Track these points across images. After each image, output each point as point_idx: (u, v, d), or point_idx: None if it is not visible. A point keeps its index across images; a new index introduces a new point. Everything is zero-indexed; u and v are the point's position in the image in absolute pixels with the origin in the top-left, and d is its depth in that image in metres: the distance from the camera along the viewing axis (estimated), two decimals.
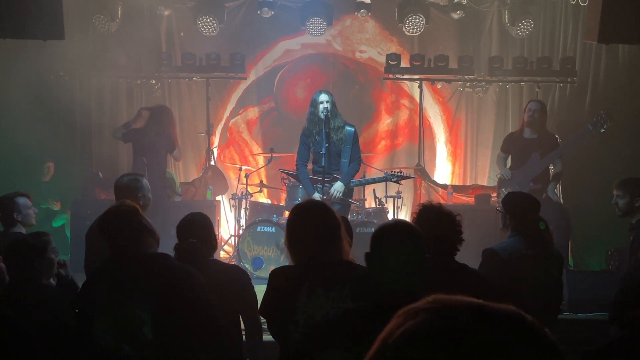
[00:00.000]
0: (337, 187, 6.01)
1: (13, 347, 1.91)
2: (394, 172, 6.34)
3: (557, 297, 3.72)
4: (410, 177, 6.39)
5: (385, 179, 6.34)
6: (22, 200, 4.54)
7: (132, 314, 2.75)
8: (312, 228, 2.75)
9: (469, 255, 3.61)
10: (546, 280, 3.62)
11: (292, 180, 6.69)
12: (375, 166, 6.95)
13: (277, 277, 2.85)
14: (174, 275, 2.85)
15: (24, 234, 3.52)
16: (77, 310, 3.05)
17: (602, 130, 6.62)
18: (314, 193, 6.01)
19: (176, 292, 2.79)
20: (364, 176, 7.03)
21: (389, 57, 7.85)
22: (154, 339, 2.74)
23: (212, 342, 2.89)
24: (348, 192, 6.21)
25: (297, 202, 6.30)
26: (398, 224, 2.18)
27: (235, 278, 3.47)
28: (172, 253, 3.29)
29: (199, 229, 3.49)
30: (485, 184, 8.13)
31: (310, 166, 6.33)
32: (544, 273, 3.63)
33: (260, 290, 3.19)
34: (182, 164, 8.71)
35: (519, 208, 3.77)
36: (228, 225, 8.18)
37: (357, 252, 2.92)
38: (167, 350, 2.77)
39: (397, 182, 6.32)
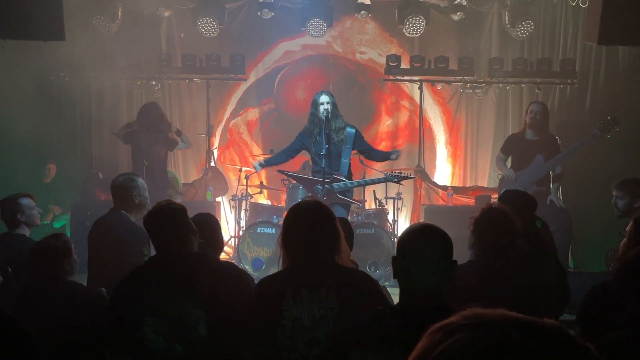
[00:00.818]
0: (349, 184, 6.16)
1: (17, 351, 1.91)
2: (395, 172, 6.34)
3: (556, 296, 3.70)
4: (410, 177, 6.39)
5: (385, 180, 6.34)
6: (25, 201, 4.52)
7: (185, 312, 2.73)
8: (306, 229, 2.72)
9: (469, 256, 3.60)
10: (544, 278, 3.61)
11: (292, 181, 6.70)
12: (376, 167, 6.94)
13: (262, 285, 2.82)
14: (226, 273, 2.88)
15: (46, 236, 3.54)
16: (118, 315, 2.92)
17: (609, 136, 6.61)
18: (259, 168, 6.39)
19: (229, 290, 2.80)
20: (364, 177, 7.03)
21: (389, 58, 7.86)
22: (208, 337, 2.73)
23: (252, 339, 2.86)
24: (348, 192, 6.22)
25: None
26: (425, 227, 2.20)
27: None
28: None
29: (207, 230, 3.49)
30: (486, 185, 8.14)
31: (298, 166, 6.40)
32: (542, 271, 3.62)
33: None
34: (182, 164, 8.73)
35: (517, 205, 3.74)
36: (228, 227, 8.18)
37: (357, 253, 2.92)
38: (219, 348, 2.76)
39: (397, 182, 6.30)
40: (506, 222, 3.19)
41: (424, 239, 2.12)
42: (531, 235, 3.71)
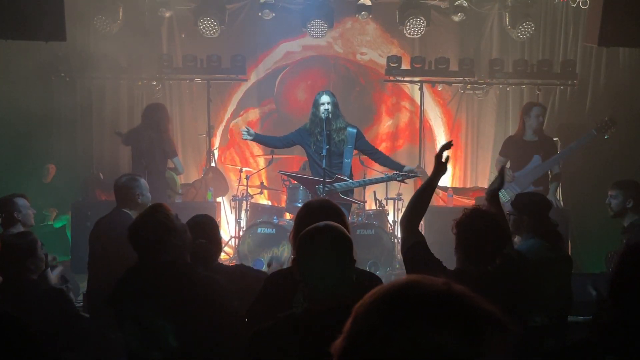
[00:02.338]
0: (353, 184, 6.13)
1: (17, 347, 1.92)
2: (399, 172, 6.25)
3: (568, 298, 3.67)
4: (415, 175, 6.29)
5: (390, 178, 6.22)
6: (21, 201, 4.69)
7: (155, 323, 2.75)
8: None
9: None
10: (563, 282, 3.59)
11: (293, 182, 6.70)
12: (376, 168, 6.93)
13: (271, 283, 2.82)
14: (195, 283, 2.84)
15: (9, 235, 3.60)
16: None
17: (606, 137, 6.61)
18: (247, 136, 6.20)
19: (198, 301, 2.78)
20: (364, 177, 7.02)
21: (389, 59, 7.87)
22: (180, 348, 2.74)
23: (235, 346, 2.87)
24: (349, 192, 6.21)
25: (298, 204, 6.40)
26: (315, 229, 2.10)
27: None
28: None
29: (207, 230, 3.51)
30: (486, 187, 8.12)
31: (298, 167, 6.36)
32: (561, 275, 3.59)
33: None
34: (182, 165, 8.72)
35: (536, 209, 3.68)
36: (228, 227, 8.18)
37: (357, 254, 2.93)
38: (194, 357, 2.76)
39: (402, 181, 6.20)
40: (491, 226, 2.91)
41: (315, 242, 2.05)
42: (549, 236, 3.64)
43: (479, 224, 2.88)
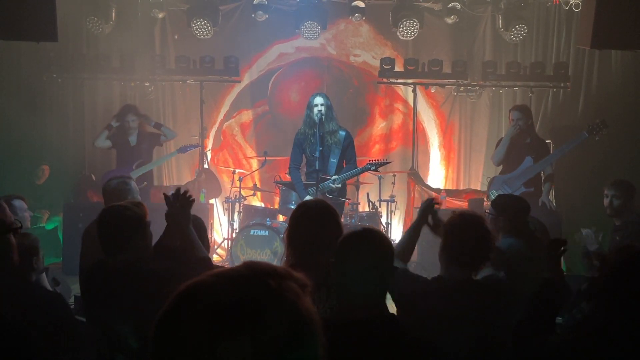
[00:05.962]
0: (335, 180, 6.06)
1: (14, 348, 1.90)
2: (372, 160, 6.28)
3: (554, 297, 3.68)
4: (388, 162, 6.37)
5: (364, 169, 6.23)
6: (18, 203, 4.60)
7: (115, 326, 2.74)
8: (313, 222, 2.77)
9: None
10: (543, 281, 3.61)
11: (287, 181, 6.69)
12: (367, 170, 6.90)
13: None
14: (151, 283, 2.77)
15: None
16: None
17: (597, 139, 6.64)
18: (305, 197, 6.02)
19: (155, 302, 2.75)
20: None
21: (383, 61, 7.87)
22: (141, 349, 2.71)
23: None
24: (341, 191, 6.22)
25: (291, 206, 6.39)
26: (358, 233, 2.05)
27: None
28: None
29: (198, 232, 3.49)
30: (479, 189, 8.15)
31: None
32: (541, 273, 3.62)
33: None
34: (175, 166, 8.70)
35: (512, 210, 3.76)
36: (221, 229, 8.16)
37: None
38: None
39: (376, 170, 6.26)
40: (478, 229, 2.81)
41: (357, 246, 2.00)
42: (525, 237, 3.72)
43: (465, 228, 2.79)
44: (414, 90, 8.09)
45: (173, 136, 7.67)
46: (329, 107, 6.07)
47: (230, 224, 7.30)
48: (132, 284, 2.80)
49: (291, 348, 0.94)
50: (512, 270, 3.41)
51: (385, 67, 7.83)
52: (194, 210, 3.28)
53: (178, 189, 3.14)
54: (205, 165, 8.04)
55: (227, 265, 6.76)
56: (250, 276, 1.00)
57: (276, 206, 7.38)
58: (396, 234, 8.09)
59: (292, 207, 6.14)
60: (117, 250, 2.87)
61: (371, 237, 2.03)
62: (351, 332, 1.89)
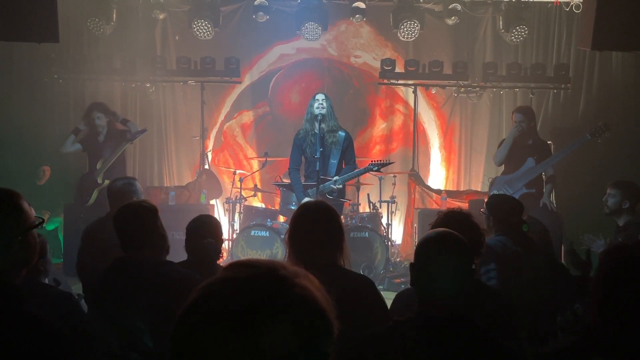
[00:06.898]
0: (336, 181, 6.08)
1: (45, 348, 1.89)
2: (374, 161, 6.30)
3: (551, 292, 3.68)
4: (391, 163, 6.40)
5: (367, 170, 6.26)
6: None
7: (131, 323, 2.75)
8: (313, 223, 2.78)
9: None
10: (536, 275, 3.63)
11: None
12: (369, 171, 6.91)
13: None
14: (173, 284, 2.82)
15: None
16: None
17: (599, 141, 6.64)
18: (304, 199, 6.02)
19: (173, 302, 2.75)
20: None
21: (383, 62, 7.88)
22: (156, 348, 2.72)
23: None
24: (341, 192, 6.23)
25: (292, 207, 6.39)
26: (443, 234, 2.10)
27: None
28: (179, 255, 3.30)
29: (212, 230, 3.58)
30: (479, 190, 8.15)
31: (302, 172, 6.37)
32: (533, 268, 3.64)
33: None
34: (176, 167, 8.71)
35: (502, 211, 3.81)
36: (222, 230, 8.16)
37: (351, 257, 2.93)
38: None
39: (378, 170, 6.29)
40: (467, 226, 2.82)
41: (442, 247, 2.04)
42: (518, 237, 3.74)
43: (450, 225, 2.72)
44: (414, 91, 8.10)
45: (136, 130, 7.31)
46: (330, 105, 6.16)
47: (231, 225, 7.30)
48: (151, 280, 2.82)
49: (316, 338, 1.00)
50: (500, 263, 3.48)
51: (386, 68, 7.83)
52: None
53: None
54: (206, 166, 8.04)
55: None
56: (268, 271, 1.03)
57: (277, 207, 7.39)
58: (396, 234, 8.10)
59: (293, 207, 6.16)
60: (138, 245, 2.91)
61: (455, 239, 2.07)
62: (434, 330, 1.94)
